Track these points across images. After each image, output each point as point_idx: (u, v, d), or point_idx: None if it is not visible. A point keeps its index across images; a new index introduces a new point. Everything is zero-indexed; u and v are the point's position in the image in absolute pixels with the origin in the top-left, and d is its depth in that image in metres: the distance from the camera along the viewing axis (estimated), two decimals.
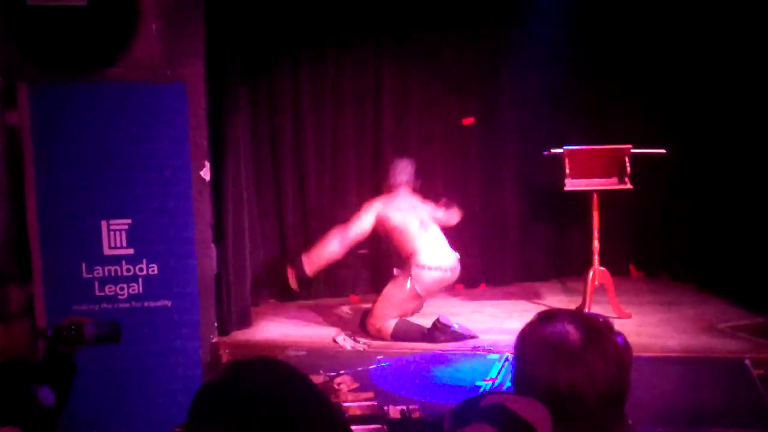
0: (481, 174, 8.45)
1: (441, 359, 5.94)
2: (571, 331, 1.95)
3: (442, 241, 6.61)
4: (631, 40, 8.26)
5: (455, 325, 6.37)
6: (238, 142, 6.94)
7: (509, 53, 8.21)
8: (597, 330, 1.98)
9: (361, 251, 8.11)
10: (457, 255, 6.60)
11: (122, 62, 5.67)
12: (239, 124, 6.99)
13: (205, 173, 5.98)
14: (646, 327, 6.61)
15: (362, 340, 6.38)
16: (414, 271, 6.41)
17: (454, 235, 6.91)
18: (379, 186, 7.59)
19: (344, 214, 7.96)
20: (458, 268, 6.58)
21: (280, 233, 7.87)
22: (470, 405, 1.80)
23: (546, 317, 2.04)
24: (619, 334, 2.04)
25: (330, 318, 7.19)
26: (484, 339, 6.33)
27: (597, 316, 2.09)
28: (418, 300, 6.52)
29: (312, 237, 7.83)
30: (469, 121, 8.27)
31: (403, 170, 6.79)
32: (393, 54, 8.07)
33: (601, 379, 1.92)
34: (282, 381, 1.76)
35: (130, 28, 5.68)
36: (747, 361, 5.62)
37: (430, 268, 6.41)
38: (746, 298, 7.20)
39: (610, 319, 2.09)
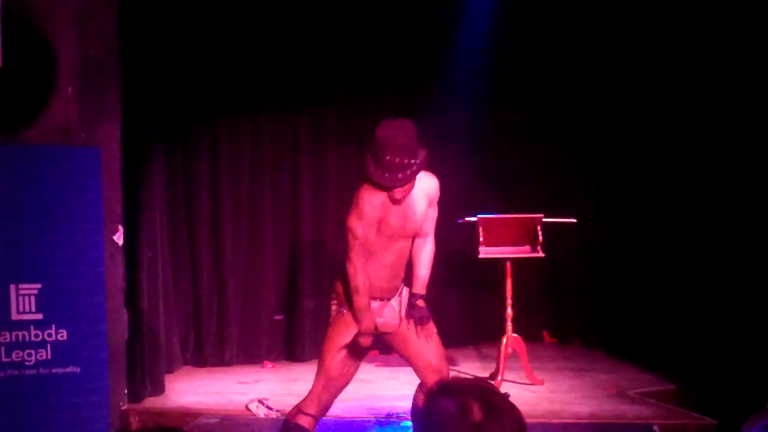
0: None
1: (355, 427, 5.91)
2: (474, 409, 1.93)
3: None
4: (543, 110, 8.48)
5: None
6: (154, 205, 6.90)
7: (424, 122, 8.31)
8: (499, 406, 1.96)
9: (277, 317, 8.09)
10: None
11: (37, 124, 5.61)
12: (155, 188, 6.96)
13: (118, 237, 5.91)
14: (558, 393, 6.69)
15: (275, 407, 6.32)
16: None
17: None
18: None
19: (260, 277, 7.98)
20: None
21: (195, 296, 7.80)
22: None
23: (446, 391, 2.01)
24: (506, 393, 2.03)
25: (244, 385, 7.11)
26: (399, 406, 6.32)
27: (496, 390, 2.07)
28: None
29: (226, 301, 7.80)
30: None
31: None
32: (310, 123, 8.15)
33: None
34: None
35: (46, 91, 5.64)
36: (655, 428, 5.72)
37: None
38: (656, 365, 7.35)
39: (522, 386, 2.10)
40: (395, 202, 4.59)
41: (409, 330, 4.78)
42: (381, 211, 4.59)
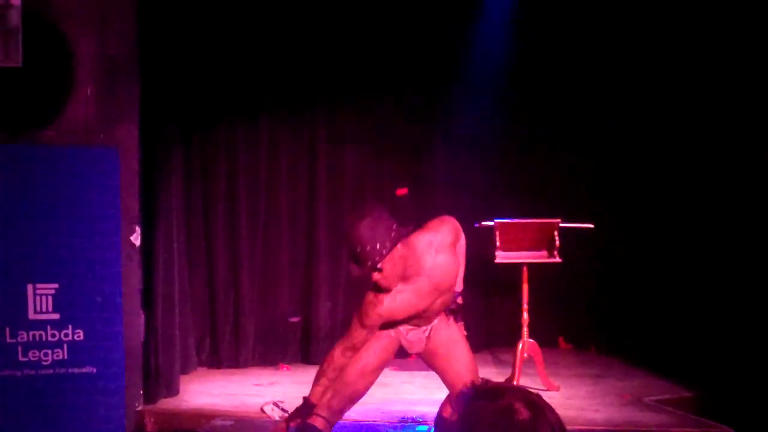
0: None
1: (370, 430, 5.90)
2: (520, 409, 1.95)
3: None
4: (564, 112, 8.45)
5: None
6: (171, 207, 6.91)
7: (443, 126, 8.34)
8: (539, 403, 2.00)
9: (293, 319, 8.09)
10: None
11: (55, 125, 5.63)
12: (172, 189, 6.96)
13: (136, 238, 5.92)
14: (574, 399, 6.66)
15: (290, 410, 6.30)
16: None
17: None
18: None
19: (276, 279, 7.98)
20: None
21: (211, 298, 7.81)
22: None
23: (490, 395, 2.03)
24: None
25: (259, 387, 7.10)
26: (414, 410, 6.31)
27: (530, 390, 2.10)
28: None
29: (242, 302, 7.80)
30: (402, 191, 8.35)
31: None
32: (328, 126, 8.14)
33: None
34: None
35: (65, 92, 5.66)
36: None
37: None
38: (672, 372, 7.31)
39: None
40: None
41: (445, 350, 4.77)
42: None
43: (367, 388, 4.79)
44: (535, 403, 1.98)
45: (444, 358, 4.77)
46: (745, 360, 6.85)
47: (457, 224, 4.71)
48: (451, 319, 4.80)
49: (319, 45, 7.86)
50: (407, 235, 4.45)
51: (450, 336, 4.78)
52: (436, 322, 4.79)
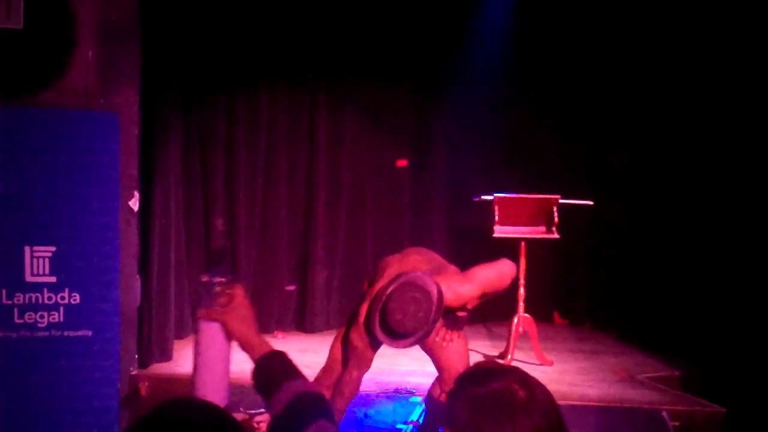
0: (412, 217, 8.52)
1: (363, 401, 5.92)
2: (517, 390, 1.96)
3: None
4: (563, 91, 8.44)
5: None
6: (169, 173, 6.90)
7: (443, 98, 8.33)
8: (532, 382, 2.00)
9: (289, 287, 8.11)
10: None
11: (56, 88, 5.60)
12: (171, 155, 6.95)
13: (134, 203, 5.91)
14: (567, 375, 6.69)
15: None
16: None
17: None
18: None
19: (273, 247, 7.99)
20: None
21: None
22: None
23: (482, 378, 2.02)
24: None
25: None
26: (408, 381, 6.34)
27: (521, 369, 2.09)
28: None
29: (239, 269, 7.81)
30: (402, 163, 8.35)
31: None
32: (328, 94, 8.13)
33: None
34: (207, 422, 1.77)
35: (66, 54, 5.62)
36: (664, 413, 5.71)
37: None
38: (666, 350, 7.34)
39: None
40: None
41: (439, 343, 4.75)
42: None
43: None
44: (528, 381, 1.99)
45: (440, 351, 4.75)
46: (737, 339, 6.88)
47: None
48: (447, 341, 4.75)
49: (320, 13, 7.83)
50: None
51: (449, 330, 4.76)
52: None
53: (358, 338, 4.48)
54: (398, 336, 4.33)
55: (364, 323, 4.41)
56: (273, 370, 2.33)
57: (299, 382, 2.22)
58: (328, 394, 4.67)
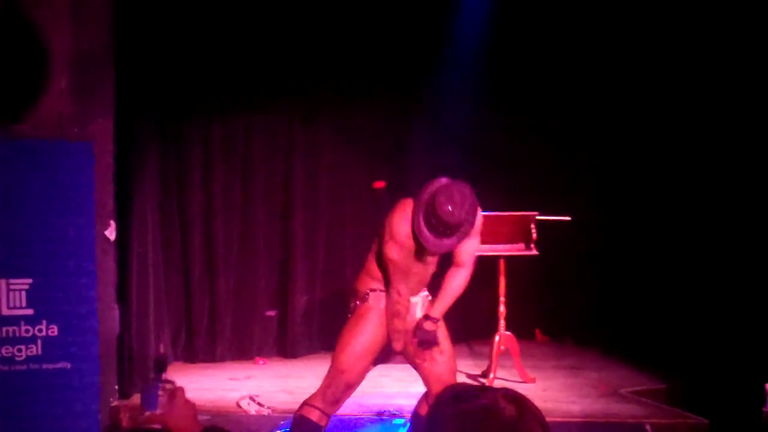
0: None
1: (347, 424, 5.89)
2: (505, 406, 1.91)
3: None
4: (540, 108, 8.47)
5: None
6: (146, 200, 6.87)
7: (420, 118, 8.33)
8: (525, 402, 1.96)
9: (269, 313, 8.07)
10: None
11: (29, 119, 5.58)
12: (147, 183, 6.93)
13: (110, 233, 5.87)
14: (550, 391, 6.68)
15: (266, 404, 6.30)
16: None
17: None
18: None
19: (252, 273, 7.95)
20: None
21: (186, 292, 7.77)
22: None
23: (470, 395, 1.97)
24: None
25: (235, 381, 7.08)
26: (392, 403, 6.31)
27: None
28: None
29: (218, 296, 7.77)
30: (380, 184, 8.33)
31: None
32: (305, 117, 8.11)
33: None
34: None
35: (39, 85, 5.60)
36: (647, 427, 5.72)
37: None
38: (648, 364, 7.35)
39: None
40: (430, 253, 4.61)
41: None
42: (410, 239, 4.56)
43: (360, 375, 4.73)
44: (517, 398, 1.95)
45: (432, 359, 4.74)
46: (719, 351, 6.91)
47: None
48: (422, 360, 4.76)
49: (294, 38, 7.82)
50: None
51: (423, 349, 4.75)
52: (422, 297, 4.76)
53: (396, 249, 4.52)
54: (445, 231, 4.42)
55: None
56: None
57: None
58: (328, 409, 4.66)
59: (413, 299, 4.72)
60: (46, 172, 5.21)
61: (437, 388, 4.61)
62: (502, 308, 6.80)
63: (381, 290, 4.67)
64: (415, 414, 4.90)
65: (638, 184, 8.16)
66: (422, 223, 4.44)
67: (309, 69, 7.95)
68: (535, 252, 6.71)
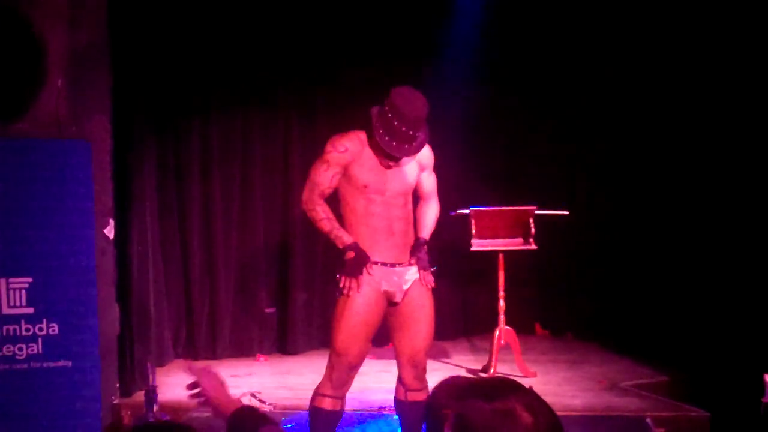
0: None
1: (347, 420, 5.89)
2: (521, 413, 1.87)
3: None
4: (539, 101, 8.48)
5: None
6: (144, 198, 6.87)
7: None
8: (541, 409, 1.91)
9: (269, 310, 8.06)
10: None
11: (27, 117, 5.57)
12: (146, 180, 6.93)
13: (109, 231, 5.88)
14: (551, 385, 6.68)
15: (267, 400, 6.30)
16: None
17: None
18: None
19: (251, 270, 7.96)
20: None
21: (186, 290, 7.77)
22: None
23: (487, 392, 1.92)
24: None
25: (236, 378, 7.08)
26: (392, 399, 6.29)
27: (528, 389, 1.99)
28: None
29: (218, 294, 7.77)
30: None
31: None
32: (303, 113, 8.10)
33: None
34: None
35: (36, 83, 5.59)
36: (648, 420, 5.72)
37: None
38: (649, 357, 7.36)
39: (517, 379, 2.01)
40: (386, 165, 4.66)
41: (408, 310, 4.73)
42: (348, 157, 4.66)
43: (362, 352, 4.72)
44: (533, 405, 1.90)
45: (405, 332, 4.75)
46: (720, 343, 6.91)
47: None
48: (427, 284, 4.78)
49: (289, 34, 7.81)
50: None
51: (421, 300, 4.77)
52: (413, 275, 4.76)
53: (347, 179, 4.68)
54: (408, 132, 4.55)
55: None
56: (246, 420, 2.47)
57: (274, 427, 2.33)
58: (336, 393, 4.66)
59: (396, 269, 4.71)
60: (44, 171, 5.22)
61: (408, 369, 4.75)
62: (501, 303, 6.80)
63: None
64: (396, 401, 4.93)
65: (638, 177, 8.16)
66: (383, 133, 4.56)
67: (306, 65, 7.94)
68: (533, 246, 6.71)
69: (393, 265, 4.69)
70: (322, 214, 4.68)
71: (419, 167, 4.83)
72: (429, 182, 4.92)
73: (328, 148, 4.71)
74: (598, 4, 8.05)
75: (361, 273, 4.61)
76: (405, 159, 4.72)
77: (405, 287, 4.71)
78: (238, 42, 7.65)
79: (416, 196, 4.95)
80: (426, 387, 4.79)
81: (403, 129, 4.53)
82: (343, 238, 4.64)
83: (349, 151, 4.65)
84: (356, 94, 8.01)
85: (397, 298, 4.72)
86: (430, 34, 8.08)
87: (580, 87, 8.36)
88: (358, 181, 4.66)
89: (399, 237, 4.72)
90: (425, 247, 4.82)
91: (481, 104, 8.34)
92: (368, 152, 4.66)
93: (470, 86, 8.17)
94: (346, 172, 4.68)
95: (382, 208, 4.67)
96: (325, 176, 4.67)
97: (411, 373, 4.78)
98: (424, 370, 4.84)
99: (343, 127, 8.04)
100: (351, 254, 4.61)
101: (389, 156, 4.59)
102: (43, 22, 5.65)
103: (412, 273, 4.75)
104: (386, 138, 4.54)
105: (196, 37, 7.46)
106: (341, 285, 4.69)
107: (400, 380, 4.85)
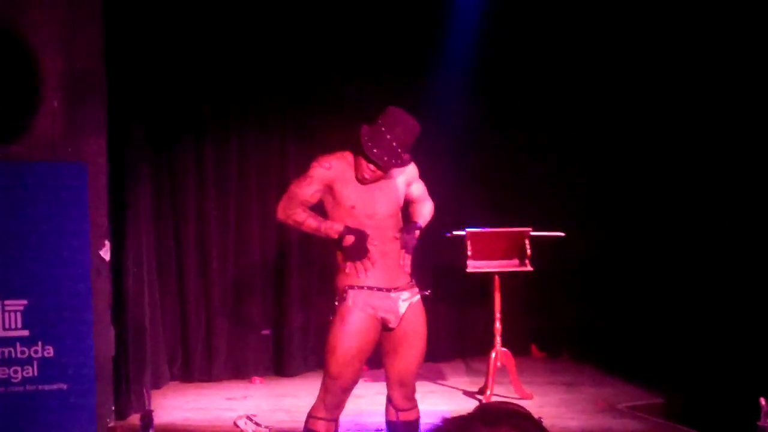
0: None
1: None
2: None
3: None
4: (533, 122, 8.51)
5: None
6: (140, 221, 6.87)
7: None
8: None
9: (265, 332, 8.05)
10: None
11: (22, 140, 5.58)
12: (141, 202, 6.93)
13: (105, 253, 5.86)
14: (547, 408, 6.67)
15: (263, 423, 6.28)
16: None
17: None
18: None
19: (247, 292, 7.95)
20: None
21: (182, 312, 7.76)
22: None
23: (488, 418, 1.85)
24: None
25: (232, 401, 7.06)
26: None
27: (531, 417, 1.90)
28: None
29: (214, 316, 7.76)
30: None
31: None
32: (298, 131, 8.10)
33: None
34: None
35: (31, 106, 5.60)
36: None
37: None
38: (644, 378, 7.35)
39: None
40: (361, 180, 4.64)
41: (402, 335, 4.72)
42: (332, 174, 4.65)
43: (355, 376, 4.70)
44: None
45: (397, 356, 4.74)
46: (716, 366, 6.91)
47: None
48: (420, 308, 4.76)
49: (283, 52, 7.84)
50: None
51: (416, 326, 4.75)
52: (408, 298, 4.75)
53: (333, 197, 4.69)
54: (398, 149, 4.58)
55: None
56: None
57: None
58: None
59: (393, 294, 4.69)
60: (40, 193, 5.22)
61: (397, 389, 4.73)
62: (497, 324, 6.80)
63: (359, 287, 4.63)
64: (388, 423, 4.91)
65: (632, 198, 8.18)
66: (372, 146, 4.57)
67: (302, 82, 7.97)
68: (529, 268, 6.72)
69: (388, 290, 4.67)
70: (303, 214, 4.66)
71: (405, 183, 4.85)
72: (418, 189, 4.96)
73: (313, 164, 4.71)
74: (595, 22, 8.09)
75: (367, 251, 4.61)
76: (385, 182, 4.70)
77: (401, 312, 4.70)
78: (233, 60, 7.68)
79: (407, 213, 4.93)
80: (416, 406, 4.79)
81: (394, 144, 4.56)
82: (334, 226, 4.63)
83: (333, 168, 4.65)
84: (352, 110, 8.04)
85: (393, 324, 4.70)
86: (425, 57, 8.11)
87: (575, 107, 8.39)
88: (345, 201, 4.65)
89: (392, 260, 4.70)
90: (417, 232, 4.82)
91: (476, 126, 8.37)
92: (353, 172, 4.67)
93: (465, 105, 8.19)
94: (331, 192, 4.67)
95: (373, 232, 4.66)
96: (306, 190, 4.66)
97: (400, 393, 4.77)
98: (414, 390, 4.83)
99: (339, 143, 8.16)
100: (350, 239, 4.60)
101: (376, 166, 4.58)
102: (39, 45, 5.67)
103: (406, 296, 4.74)
104: (375, 150, 4.55)
105: (191, 54, 7.49)
106: (334, 305, 4.69)
107: (389, 400, 4.84)
